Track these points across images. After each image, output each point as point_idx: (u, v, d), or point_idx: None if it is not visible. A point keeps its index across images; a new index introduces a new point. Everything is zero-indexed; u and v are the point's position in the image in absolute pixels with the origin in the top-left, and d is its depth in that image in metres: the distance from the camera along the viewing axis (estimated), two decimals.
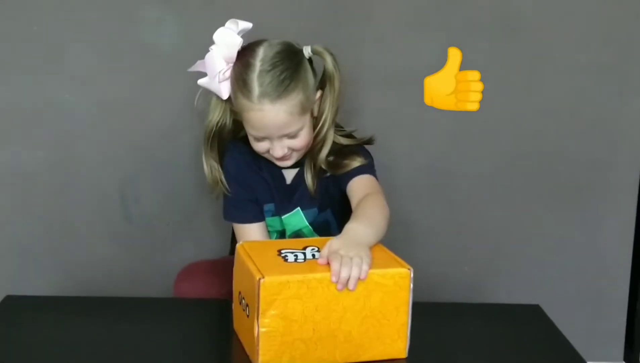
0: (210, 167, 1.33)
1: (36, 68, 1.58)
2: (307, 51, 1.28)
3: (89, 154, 1.63)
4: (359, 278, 0.98)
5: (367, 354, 1.01)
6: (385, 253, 1.07)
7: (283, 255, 1.03)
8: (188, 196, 1.65)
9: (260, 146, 1.28)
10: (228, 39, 1.25)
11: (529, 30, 1.63)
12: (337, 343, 1.00)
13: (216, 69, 1.25)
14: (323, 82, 1.30)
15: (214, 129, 1.32)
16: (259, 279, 0.95)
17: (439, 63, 1.64)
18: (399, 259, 1.04)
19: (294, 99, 1.22)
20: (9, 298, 1.21)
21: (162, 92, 1.61)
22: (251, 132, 1.26)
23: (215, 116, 1.32)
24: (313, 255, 1.03)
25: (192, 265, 1.45)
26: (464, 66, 1.65)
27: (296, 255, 1.03)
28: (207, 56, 1.26)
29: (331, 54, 1.28)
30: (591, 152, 1.69)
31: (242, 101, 1.23)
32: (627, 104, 1.68)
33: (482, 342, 1.12)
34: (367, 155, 1.33)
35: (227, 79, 1.27)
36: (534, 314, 1.22)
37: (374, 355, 1.01)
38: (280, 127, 1.23)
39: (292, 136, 1.25)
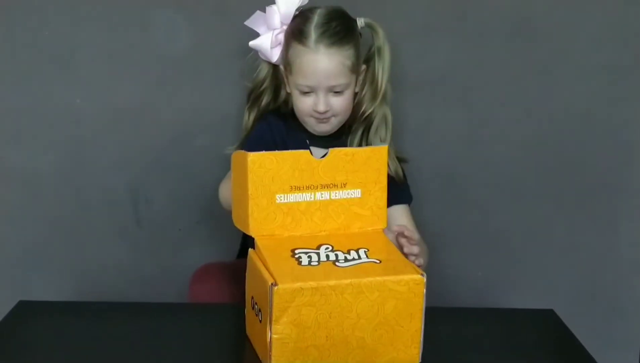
0: (245, 125, 1.40)
1: (47, 73, 1.59)
2: (360, 21, 1.35)
3: (100, 159, 1.63)
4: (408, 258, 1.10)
5: (380, 360, 1.01)
6: (398, 257, 1.06)
7: (297, 256, 1.02)
8: (199, 200, 1.65)
9: (304, 102, 1.31)
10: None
11: (542, 33, 1.62)
12: (350, 349, 0.99)
13: (272, 25, 1.32)
14: (367, 60, 1.36)
15: (258, 89, 1.39)
16: (272, 285, 0.95)
17: (450, 66, 1.63)
18: (413, 265, 1.03)
19: (347, 51, 1.29)
20: (21, 303, 1.21)
21: (173, 97, 1.61)
22: (300, 82, 1.30)
23: (261, 76, 1.39)
24: (327, 256, 1.02)
25: (206, 266, 1.45)
26: (477, 71, 1.64)
27: (310, 256, 1.02)
28: (267, 9, 1.33)
29: (382, 28, 1.35)
30: (605, 155, 1.68)
31: (297, 47, 1.29)
32: None
33: (496, 347, 1.12)
34: (404, 176, 1.41)
35: (279, 44, 1.33)
36: (548, 319, 1.22)
37: (387, 361, 1.01)
38: (330, 75, 1.28)
39: (338, 91, 1.29)
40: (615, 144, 1.68)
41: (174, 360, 1.05)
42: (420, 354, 1.02)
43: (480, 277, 1.72)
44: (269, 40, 1.34)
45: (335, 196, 1.06)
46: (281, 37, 1.34)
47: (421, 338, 1.01)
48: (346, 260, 1.01)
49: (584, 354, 1.10)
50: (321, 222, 1.06)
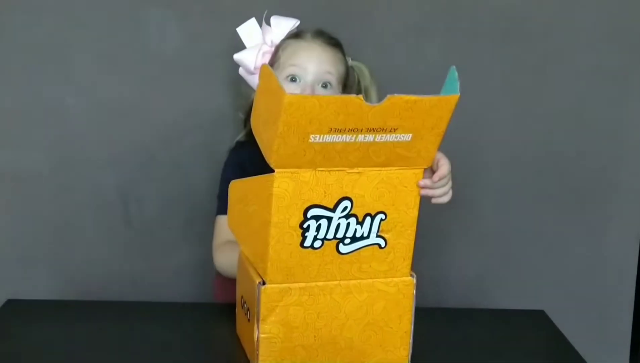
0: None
1: (38, 71, 1.58)
2: (348, 59, 1.33)
3: (90, 158, 1.62)
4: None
5: (368, 361, 1.00)
6: (408, 236, 0.99)
7: (306, 224, 0.93)
8: (189, 200, 1.64)
9: (290, 90, 1.28)
10: (283, 22, 1.34)
11: (535, 34, 1.62)
12: (338, 349, 0.99)
13: (263, 39, 1.33)
14: None
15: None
16: (259, 284, 0.94)
17: (442, 67, 1.63)
18: (409, 263, 1.00)
19: (338, 56, 1.29)
20: (10, 302, 1.21)
21: (164, 96, 1.60)
22: (290, 62, 1.26)
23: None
24: (337, 227, 0.94)
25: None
26: (467, 72, 1.63)
27: (319, 227, 0.94)
28: (263, 27, 1.34)
29: (368, 69, 1.35)
30: (596, 156, 1.68)
31: (291, 42, 1.29)
32: (632, 108, 1.67)
33: (486, 348, 1.12)
34: None
35: (258, 68, 1.32)
36: (538, 320, 1.22)
37: None
38: (321, 63, 1.25)
39: (325, 85, 1.25)
40: (608, 146, 1.68)
41: (163, 358, 1.05)
42: (410, 356, 1.02)
43: (471, 277, 1.72)
44: (254, 55, 1.33)
45: (380, 138, 0.92)
46: (268, 56, 1.32)
47: (410, 340, 1.01)
48: (354, 238, 0.95)
49: (574, 354, 1.11)
50: (357, 161, 0.93)
